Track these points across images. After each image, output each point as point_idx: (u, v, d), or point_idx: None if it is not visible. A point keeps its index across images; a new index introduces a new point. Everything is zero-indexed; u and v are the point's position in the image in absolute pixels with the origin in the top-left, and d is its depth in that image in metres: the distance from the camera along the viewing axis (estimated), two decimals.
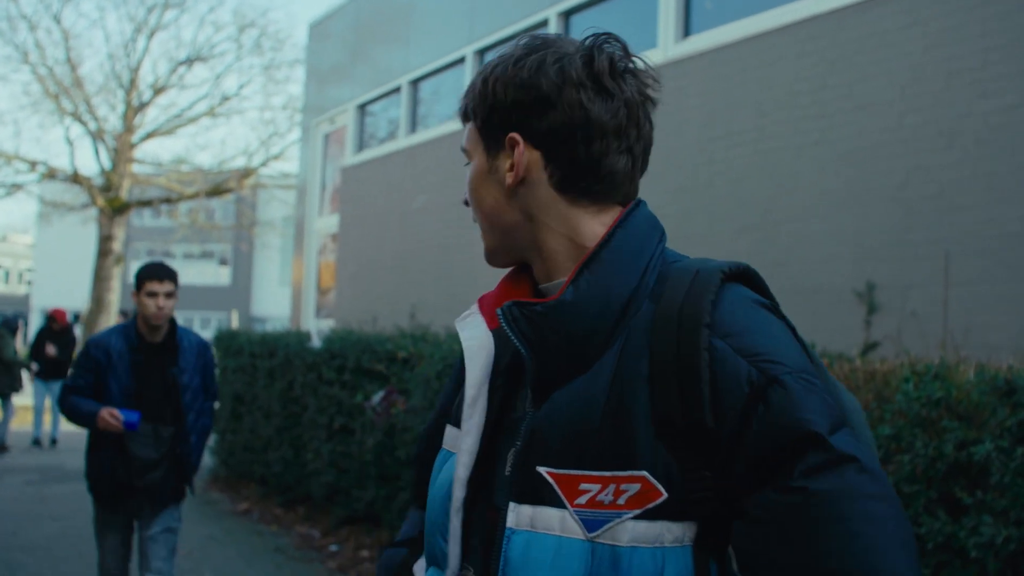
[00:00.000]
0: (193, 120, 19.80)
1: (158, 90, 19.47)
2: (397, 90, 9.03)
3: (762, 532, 0.85)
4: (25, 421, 12.79)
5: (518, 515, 0.95)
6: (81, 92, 18.69)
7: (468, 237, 7.17)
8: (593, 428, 0.92)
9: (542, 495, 0.94)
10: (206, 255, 35.09)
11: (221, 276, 35.44)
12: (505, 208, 1.04)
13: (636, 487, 0.89)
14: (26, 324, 32.27)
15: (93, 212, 19.21)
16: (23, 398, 13.41)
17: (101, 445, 3.60)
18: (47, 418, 11.41)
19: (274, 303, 32.08)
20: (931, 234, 4.06)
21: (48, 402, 11.12)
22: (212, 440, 8.18)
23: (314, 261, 10.56)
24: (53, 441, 11.05)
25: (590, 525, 0.90)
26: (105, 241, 18.22)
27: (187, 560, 5.29)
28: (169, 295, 3.59)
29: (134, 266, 33.13)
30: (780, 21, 4.91)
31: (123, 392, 3.58)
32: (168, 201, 19.74)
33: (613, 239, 0.99)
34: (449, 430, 1.14)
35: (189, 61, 19.76)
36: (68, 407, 3.59)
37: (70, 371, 3.78)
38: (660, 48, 5.68)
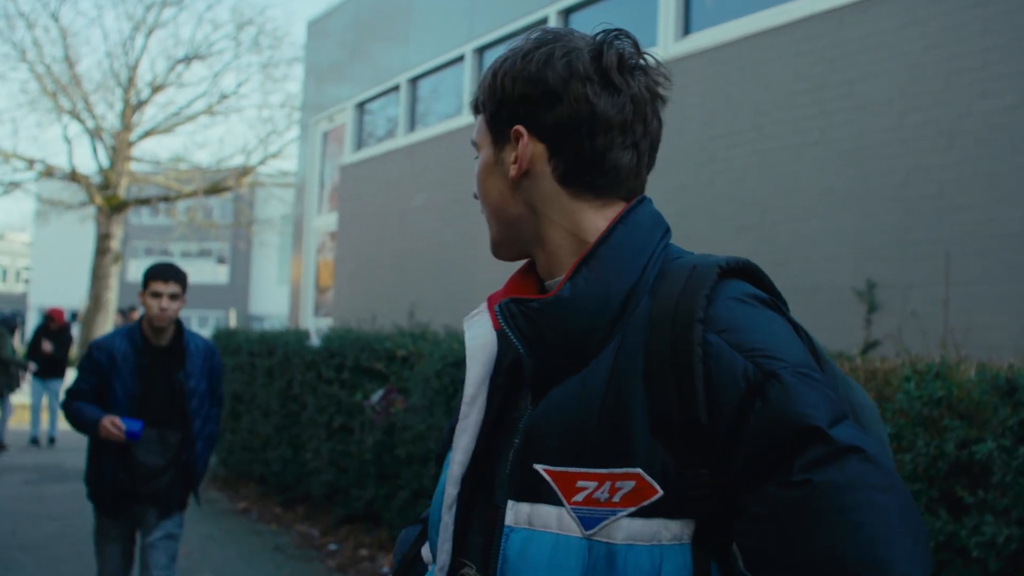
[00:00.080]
0: (191, 118, 19.78)
1: (156, 88, 19.44)
2: (396, 88, 9.02)
3: (765, 528, 0.84)
4: (23, 420, 12.78)
5: (516, 513, 0.95)
6: (79, 90, 18.66)
7: (467, 235, 7.17)
8: (591, 425, 0.92)
9: (540, 493, 0.94)
10: (204, 253, 35.05)
11: (219, 274, 35.41)
12: (510, 200, 1.05)
13: (631, 484, 0.89)
14: (23, 323, 32.23)
15: (91, 210, 19.17)
16: (21, 396, 13.39)
17: (103, 451, 3.50)
18: (44, 417, 11.40)
19: (272, 301, 32.06)
20: (931, 234, 4.06)
21: (45, 401, 11.11)
22: None
23: (313, 259, 10.55)
24: (51, 440, 11.04)
25: (587, 523, 0.90)
26: (103, 239, 18.19)
27: (186, 560, 5.27)
28: (174, 297, 3.48)
29: (132, 265, 33.15)
30: (780, 20, 4.91)
31: (128, 396, 3.48)
32: (166, 199, 19.71)
33: (613, 235, 0.99)
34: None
35: (187, 59, 19.74)
36: (71, 413, 3.49)
37: (74, 374, 3.71)
38: (660, 46, 5.68)
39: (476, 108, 1.10)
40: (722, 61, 5.21)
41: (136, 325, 3.61)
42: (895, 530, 0.80)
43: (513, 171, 1.03)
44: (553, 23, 6.74)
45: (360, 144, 9.76)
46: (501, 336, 1.04)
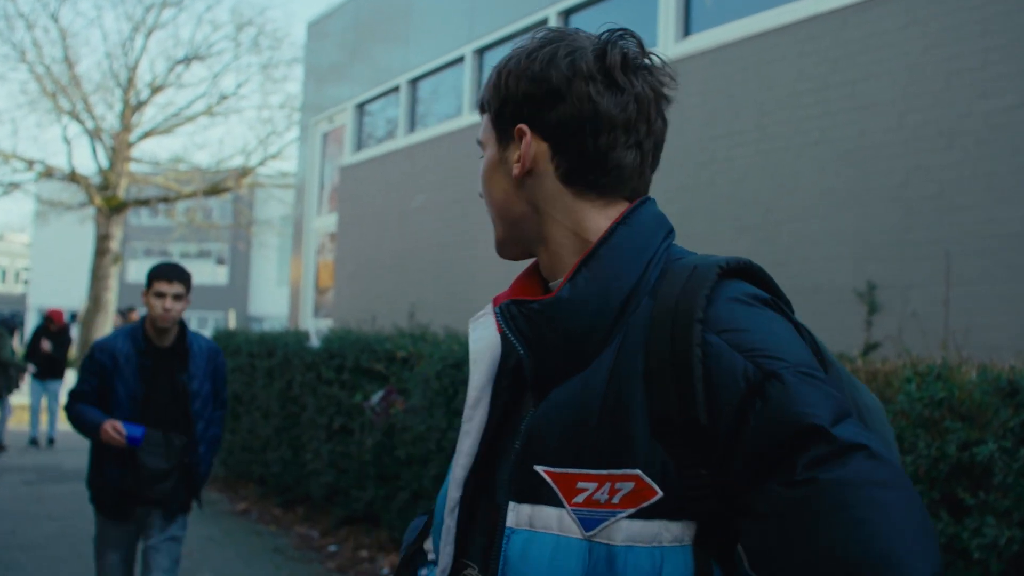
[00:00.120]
0: (191, 119, 19.78)
1: (156, 89, 19.44)
2: (396, 89, 9.02)
3: (768, 528, 0.83)
4: (22, 421, 12.77)
5: (517, 514, 0.95)
6: (78, 91, 18.66)
7: (467, 236, 7.16)
8: (591, 426, 0.92)
9: (541, 494, 0.94)
10: (203, 254, 35.05)
11: (218, 275, 35.40)
12: (513, 199, 1.05)
13: (630, 486, 0.88)
14: (22, 324, 32.21)
15: (90, 211, 19.17)
16: (20, 397, 13.38)
17: (106, 454, 3.46)
18: (44, 418, 11.39)
19: (272, 302, 32.05)
20: (931, 234, 4.05)
21: (45, 402, 11.10)
22: None
23: (312, 260, 10.55)
24: (50, 441, 11.04)
25: (587, 524, 0.90)
26: (102, 240, 18.19)
27: (186, 560, 5.26)
28: (178, 297, 3.43)
29: (132, 265, 33.16)
30: (781, 20, 4.91)
31: (130, 397, 3.44)
32: (166, 200, 19.70)
33: (614, 235, 0.98)
34: None
35: (187, 60, 19.74)
36: (74, 415, 3.46)
37: (75, 375, 3.68)
38: (660, 47, 5.68)
39: (482, 107, 1.10)
40: (724, 61, 5.20)
41: (138, 326, 3.56)
42: (902, 526, 0.79)
43: (516, 170, 1.03)
44: (553, 24, 6.73)
45: (360, 145, 9.76)
46: (505, 338, 1.03)
